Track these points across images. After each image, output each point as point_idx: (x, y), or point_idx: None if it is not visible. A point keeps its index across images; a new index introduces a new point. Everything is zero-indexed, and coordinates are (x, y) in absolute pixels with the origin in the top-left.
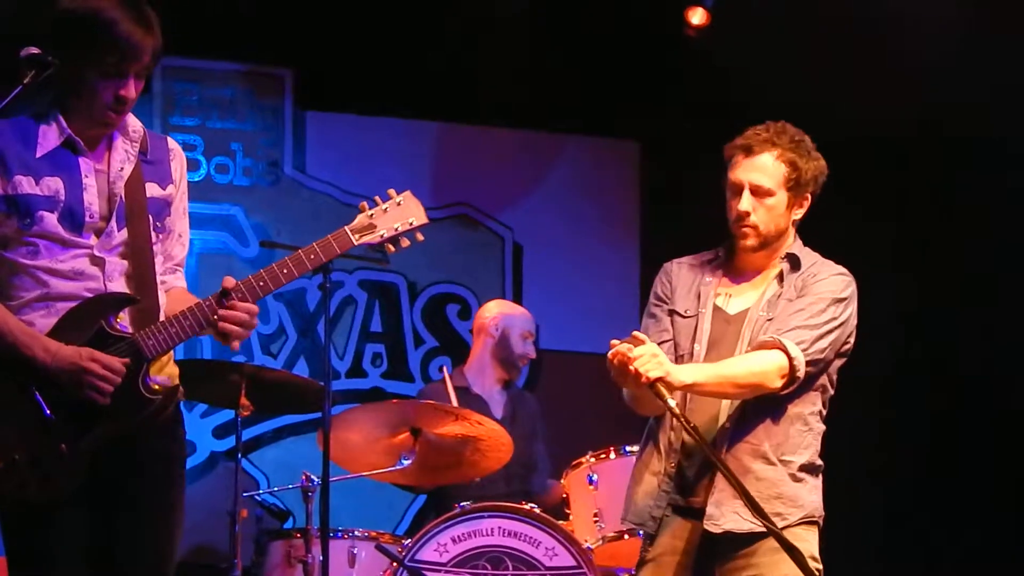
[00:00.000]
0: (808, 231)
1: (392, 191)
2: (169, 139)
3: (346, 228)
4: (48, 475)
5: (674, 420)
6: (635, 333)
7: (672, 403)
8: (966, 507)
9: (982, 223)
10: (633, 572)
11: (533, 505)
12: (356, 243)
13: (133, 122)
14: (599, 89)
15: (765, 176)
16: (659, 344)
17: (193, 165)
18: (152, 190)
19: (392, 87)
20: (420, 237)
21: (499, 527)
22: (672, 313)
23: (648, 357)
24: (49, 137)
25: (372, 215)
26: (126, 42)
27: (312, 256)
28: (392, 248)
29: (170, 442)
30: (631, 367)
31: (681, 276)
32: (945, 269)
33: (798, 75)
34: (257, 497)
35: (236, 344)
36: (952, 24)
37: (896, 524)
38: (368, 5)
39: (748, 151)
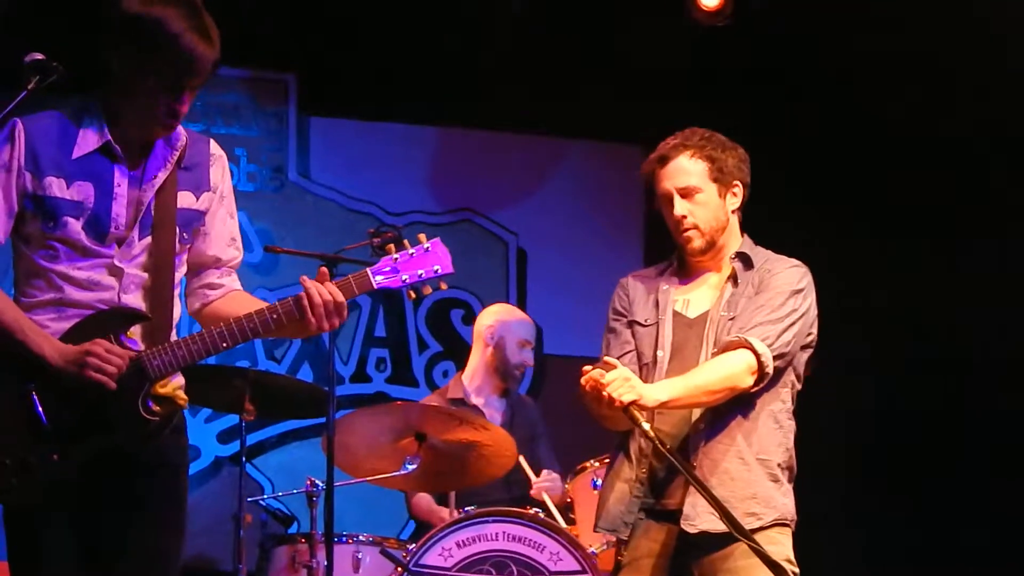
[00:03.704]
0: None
1: (422, 236)
2: (212, 142)
3: (368, 271)
4: (35, 482)
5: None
6: (606, 358)
7: (646, 426)
8: (958, 509)
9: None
10: None
11: (537, 510)
12: (376, 286)
13: (177, 129)
14: (602, 93)
15: (687, 176)
16: (622, 356)
17: None
18: (185, 199)
19: (396, 92)
20: (443, 286)
21: (504, 532)
22: (632, 324)
23: (620, 381)
24: (88, 139)
25: (396, 259)
26: (188, 56)
27: None
28: (413, 295)
29: (172, 450)
30: (603, 392)
31: (637, 288)
32: (946, 267)
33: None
34: (261, 502)
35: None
36: None
37: (883, 526)
38: (371, 11)
39: (663, 161)
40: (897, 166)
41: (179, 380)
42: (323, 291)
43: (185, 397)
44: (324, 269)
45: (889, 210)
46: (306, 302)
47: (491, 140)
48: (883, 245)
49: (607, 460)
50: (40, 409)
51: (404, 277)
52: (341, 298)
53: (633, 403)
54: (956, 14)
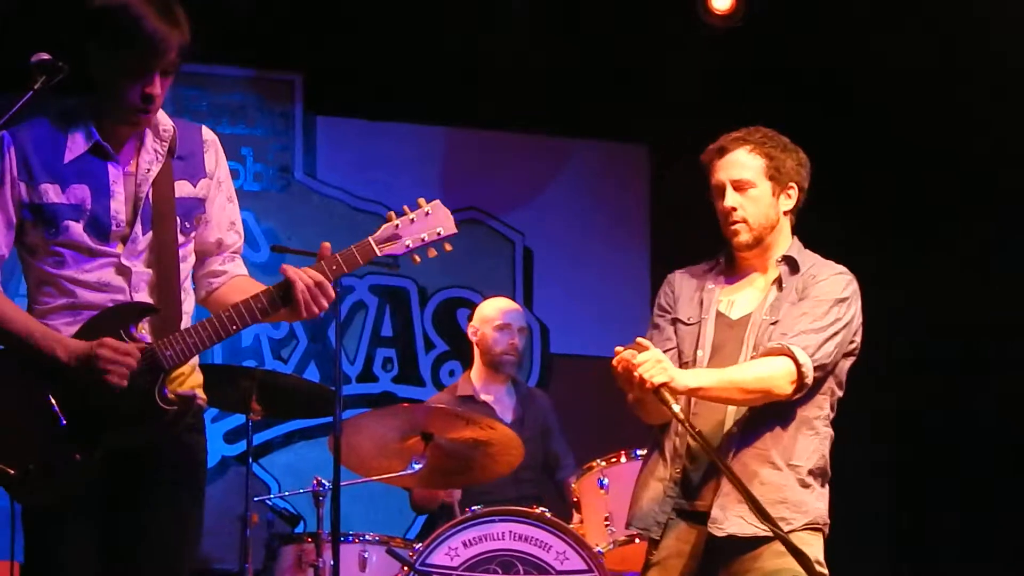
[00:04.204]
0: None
1: (422, 200)
2: (204, 129)
3: (370, 239)
4: (61, 483)
5: (679, 426)
6: (639, 339)
7: (676, 408)
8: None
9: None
10: None
11: (544, 509)
12: (379, 254)
13: (164, 120)
14: (608, 92)
15: (742, 169)
16: (663, 352)
17: None
18: (182, 188)
19: (402, 92)
20: (448, 248)
21: (510, 531)
22: (675, 322)
23: (652, 363)
24: (78, 141)
25: (398, 225)
26: (150, 38)
27: (334, 267)
28: (418, 259)
29: (192, 449)
30: (635, 373)
31: (684, 285)
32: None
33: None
34: (268, 502)
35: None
36: None
37: (901, 524)
38: (376, 10)
39: (722, 152)
40: (899, 166)
41: (198, 378)
42: (304, 276)
43: (204, 396)
44: (326, 244)
45: (894, 210)
46: (295, 291)
47: (497, 140)
48: (882, 244)
49: (613, 459)
50: (58, 411)
51: (408, 242)
52: (321, 279)
53: (664, 385)
54: (956, 14)
